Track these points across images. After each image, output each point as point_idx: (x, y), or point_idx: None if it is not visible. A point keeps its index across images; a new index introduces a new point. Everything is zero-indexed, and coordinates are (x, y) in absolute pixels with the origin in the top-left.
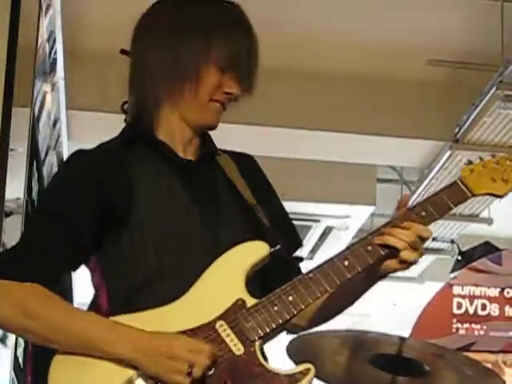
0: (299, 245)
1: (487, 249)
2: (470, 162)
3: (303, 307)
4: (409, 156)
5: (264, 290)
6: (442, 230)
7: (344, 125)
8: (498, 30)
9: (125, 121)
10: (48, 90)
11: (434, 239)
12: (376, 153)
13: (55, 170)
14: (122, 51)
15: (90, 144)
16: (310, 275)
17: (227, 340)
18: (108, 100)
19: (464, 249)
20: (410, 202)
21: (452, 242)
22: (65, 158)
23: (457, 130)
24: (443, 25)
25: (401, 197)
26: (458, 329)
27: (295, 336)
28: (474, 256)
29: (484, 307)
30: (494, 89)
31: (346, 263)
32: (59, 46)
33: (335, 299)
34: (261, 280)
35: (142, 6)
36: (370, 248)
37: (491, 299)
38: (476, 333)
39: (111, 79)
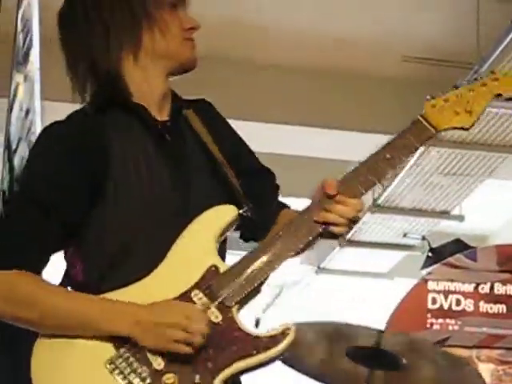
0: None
1: (458, 246)
2: (432, 97)
3: (276, 266)
4: None
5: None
6: (413, 226)
7: (311, 119)
8: (473, 27)
9: None
10: (21, 80)
11: (404, 235)
12: (345, 148)
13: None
14: None
15: None
16: (278, 235)
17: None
18: None
19: (435, 245)
20: None
21: (423, 238)
22: None
23: None
24: (420, 22)
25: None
26: (432, 324)
27: None
28: (445, 253)
29: (458, 303)
30: None
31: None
32: (35, 36)
33: None
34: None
35: None
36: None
37: (466, 295)
38: (450, 328)
39: None
